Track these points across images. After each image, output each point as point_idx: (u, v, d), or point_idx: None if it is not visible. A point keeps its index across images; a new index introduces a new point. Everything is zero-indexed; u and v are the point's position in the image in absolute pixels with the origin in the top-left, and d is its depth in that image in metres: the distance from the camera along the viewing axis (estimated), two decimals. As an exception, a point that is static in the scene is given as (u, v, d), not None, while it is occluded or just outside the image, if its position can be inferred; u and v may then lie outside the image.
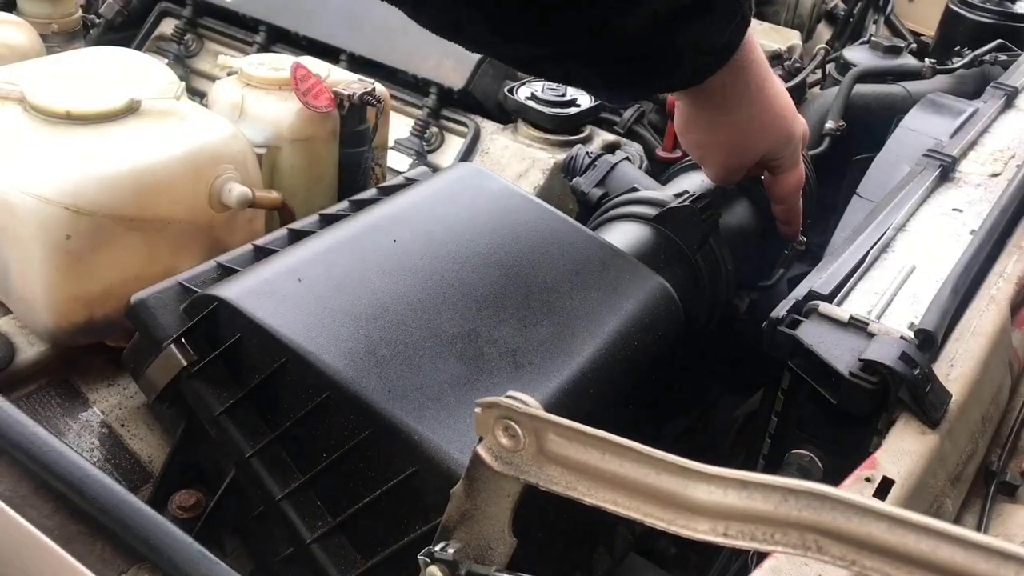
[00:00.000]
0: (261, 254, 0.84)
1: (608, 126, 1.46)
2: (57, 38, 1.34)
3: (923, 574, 0.38)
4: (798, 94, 1.52)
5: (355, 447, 0.68)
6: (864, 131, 1.39)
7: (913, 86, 1.49)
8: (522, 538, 0.50)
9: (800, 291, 0.80)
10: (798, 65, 1.59)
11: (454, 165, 1.16)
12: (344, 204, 0.94)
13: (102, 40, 1.59)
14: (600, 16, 0.71)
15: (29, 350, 0.91)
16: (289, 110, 1.10)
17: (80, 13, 1.41)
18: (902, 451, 0.67)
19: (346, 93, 1.12)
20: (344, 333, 0.71)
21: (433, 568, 0.50)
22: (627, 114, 1.47)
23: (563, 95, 1.36)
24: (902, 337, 0.73)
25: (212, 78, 1.51)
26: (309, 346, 0.69)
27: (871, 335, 0.74)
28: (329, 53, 1.44)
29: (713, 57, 0.81)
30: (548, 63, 0.80)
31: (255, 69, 1.13)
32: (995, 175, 1.03)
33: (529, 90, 1.38)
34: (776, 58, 1.59)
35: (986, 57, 1.56)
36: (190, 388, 0.73)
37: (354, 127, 1.16)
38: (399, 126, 1.39)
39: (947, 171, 1.01)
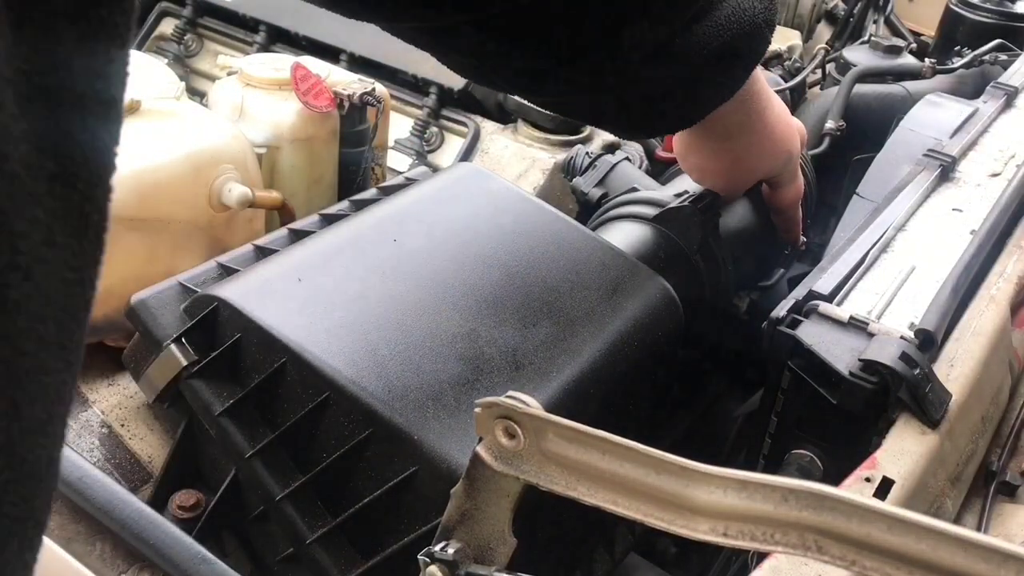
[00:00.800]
0: (261, 254, 0.84)
1: (608, 126, 1.46)
2: (57, 38, 1.34)
3: (923, 574, 0.38)
4: (798, 94, 1.52)
5: (355, 447, 0.68)
6: (864, 131, 1.39)
7: (913, 86, 1.49)
8: (522, 538, 0.50)
9: (800, 291, 0.80)
10: (798, 65, 1.59)
11: (454, 165, 1.16)
12: (344, 204, 0.94)
13: (102, 40, 1.59)
14: (643, 69, 0.72)
15: (29, 350, 0.91)
16: (289, 110, 1.10)
17: (80, 13, 1.41)
18: (902, 451, 0.67)
19: (346, 93, 1.12)
20: (344, 333, 0.71)
21: (433, 568, 0.50)
22: (627, 114, 1.46)
23: (563, 95, 1.36)
24: (902, 337, 0.73)
25: (212, 78, 1.51)
26: (309, 346, 0.69)
27: (871, 335, 0.74)
28: (329, 53, 1.44)
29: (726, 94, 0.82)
30: (578, 107, 0.82)
31: (255, 69, 1.13)
32: (995, 175, 1.03)
33: (529, 90, 1.37)
34: (776, 58, 1.59)
35: (986, 57, 1.56)
36: (190, 388, 0.73)
37: (354, 127, 1.16)
38: (399, 126, 1.39)
39: (947, 171, 1.01)
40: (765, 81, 0.90)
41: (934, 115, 1.20)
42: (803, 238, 1.16)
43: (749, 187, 1.01)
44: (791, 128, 0.97)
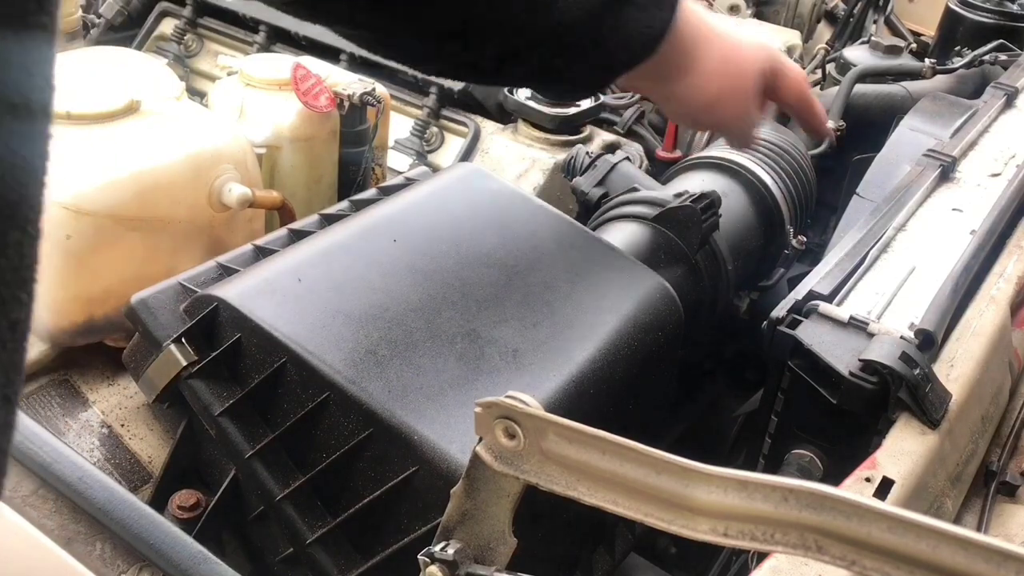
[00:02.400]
0: (261, 254, 0.84)
1: (608, 126, 1.46)
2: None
3: (923, 574, 0.38)
4: (798, 94, 1.51)
5: (355, 447, 0.68)
6: (864, 131, 1.39)
7: (913, 86, 1.49)
8: (522, 538, 0.50)
9: (800, 291, 0.80)
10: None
11: (454, 165, 1.16)
12: (344, 204, 0.94)
13: (102, 40, 1.59)
14: (535, 15, 0.70)
15: (29, 350, 0.91)
16: (289, 110, 1.10)
17: (80, 13, 1.41)
18: (902, 451, 0.67)
19: (346, 93, 1.12)
20: (344, 333, 0.71)
21: (433, 568, 0.50)
22: (627, 114, 1.47)
23: (563, 95, 1.36)
24: (902, 337, 0.73)
25: (212, 78, 1.52)
26: (309, 346, 0.69)
27: (871, 335, 0.74)
28: (329, 53, 1.44)
29: (657, 29, 0.77)
30: (479, 68, 0.78)
31: (255, 69, 1.13)
32: (995, 175, 1.03)
33: (529, 90, 1.38)
34: (776, 58, 1.59)
35: (986, 57, 1.56)
36: (190, 388, 0.73)
37: (354, 127, 1.16)
38: (399, 126, 1.39)
39: (947, 171, 1.01)
40: (702, 10, 0.86)
41: (934, 115, 1.20)
42: (802, 237, 1.15)
43: (756, 93, 0.92)
44: (747, 44, 0.90)
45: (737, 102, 0.91)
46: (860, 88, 1.47)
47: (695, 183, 1.07)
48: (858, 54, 1.60)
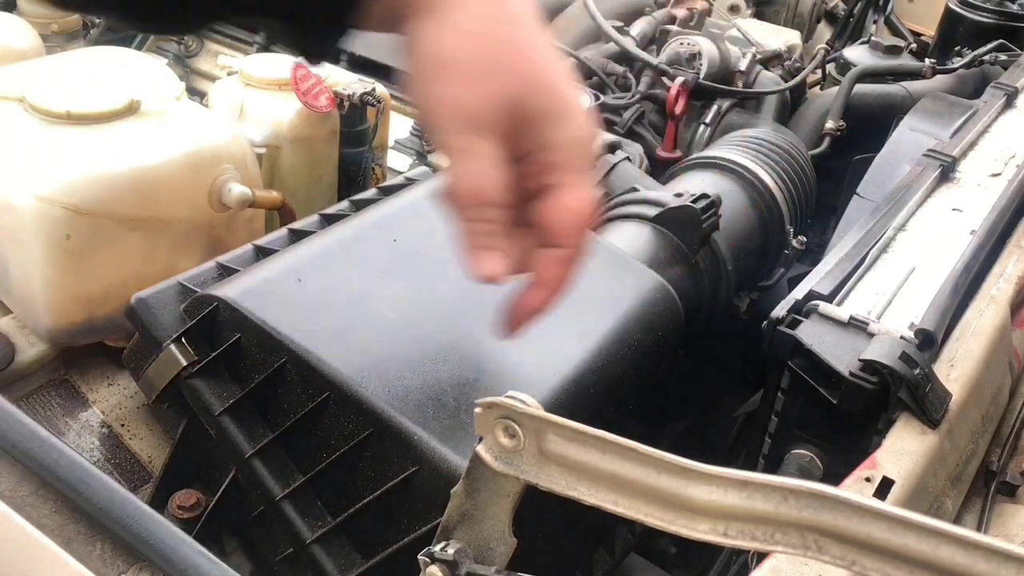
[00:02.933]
0: (261, 254, 0.84)
1: (608, 126, 1.46)
2: (57, 38, 1.35)
3: (923, 574, 0.38)
4: (798, 94, 1.52)
5: (355, 447, 0.68)
6: (864, 131, 1.39)
7: (913, 86, 1.49)
8: (522, 538, 0.50)
9: (800, 291, 0.80)
10: (798, 65, 1.59)
11: (454, 165, 1.16)
12: (344, 204, 0.94)
13: (102, 40, 1.59)
14: None
15: (29, 350, 0.91)
16: (289, 110, 1.10)
17: (80, 13, 1.41)
18: (902, 451, 0.67)
19: (346, 93, 1.12)
20: (344, 333, 0.71)
21: (433, 568, 0.50)
22: (627, 114, 1.47)
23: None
24: (902, 337, 0.73)
25: (212, 78, 1.51)
26: (309, 346, 0.69)
27: (871, 335, 0.74)
28: (329, 53, 1.44)
29: None
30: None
31: (255, 69, 1.13)
32: (995, 175, 1.03)
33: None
34: (776, 58, 1.59)
35: (986, 57, 1.57)
36: (190, 388, 0.73)
37: (354, 127, 1.16)
38: (399, 126, 1.39)
39: (947, 171, 1.01)
40: None
41: (934, 115, 1.20)
42: (802, 237, 1.16)
43: (493, 109, 0.58)
44: (564, 66, 0.61)
45: (465, 88, 0.58)
46: (860, 88, 1.47)
47: (695, 183, 1.07)
48: (858, 54, 1.60)
